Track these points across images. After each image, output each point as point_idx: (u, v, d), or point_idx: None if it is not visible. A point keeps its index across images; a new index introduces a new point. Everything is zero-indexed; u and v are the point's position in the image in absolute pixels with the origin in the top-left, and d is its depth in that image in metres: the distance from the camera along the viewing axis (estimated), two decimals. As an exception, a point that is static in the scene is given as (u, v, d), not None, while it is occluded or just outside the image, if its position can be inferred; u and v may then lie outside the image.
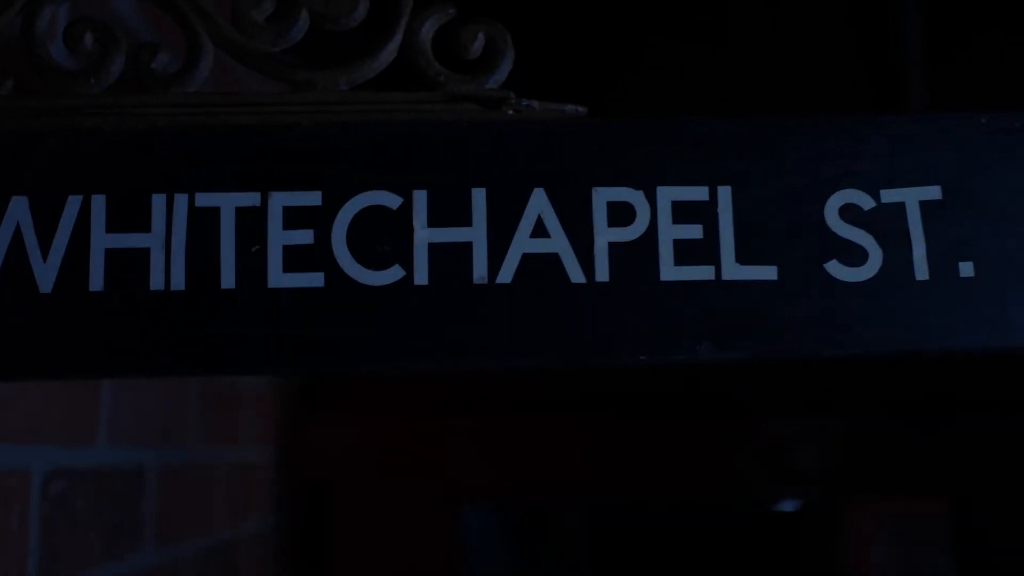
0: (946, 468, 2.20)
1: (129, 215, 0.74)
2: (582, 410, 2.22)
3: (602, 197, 0.75)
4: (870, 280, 0.75)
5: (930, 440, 2.18)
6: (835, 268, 0.75)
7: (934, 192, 0.76)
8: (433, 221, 0.75)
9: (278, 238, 0.74)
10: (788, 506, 3.29)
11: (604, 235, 0.75)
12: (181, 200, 0.74)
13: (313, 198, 0.75)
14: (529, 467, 2.22)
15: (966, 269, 0.76)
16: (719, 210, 0.76)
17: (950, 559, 2.56)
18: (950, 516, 2.33)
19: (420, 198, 0.75)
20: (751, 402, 2.23)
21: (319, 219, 0.74)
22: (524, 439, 2.21)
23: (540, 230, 0.75)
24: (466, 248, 0.74)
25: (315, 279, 0.74)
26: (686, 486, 2.31)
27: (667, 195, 0.76)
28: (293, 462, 2.12)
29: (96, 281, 0.73)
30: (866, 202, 0.76)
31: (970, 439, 2.17)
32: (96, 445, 1.17)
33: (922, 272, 0.75)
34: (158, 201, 0.74)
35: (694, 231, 0.75)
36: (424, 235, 0.74)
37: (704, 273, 0.75)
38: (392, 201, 0.75)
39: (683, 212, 0.76)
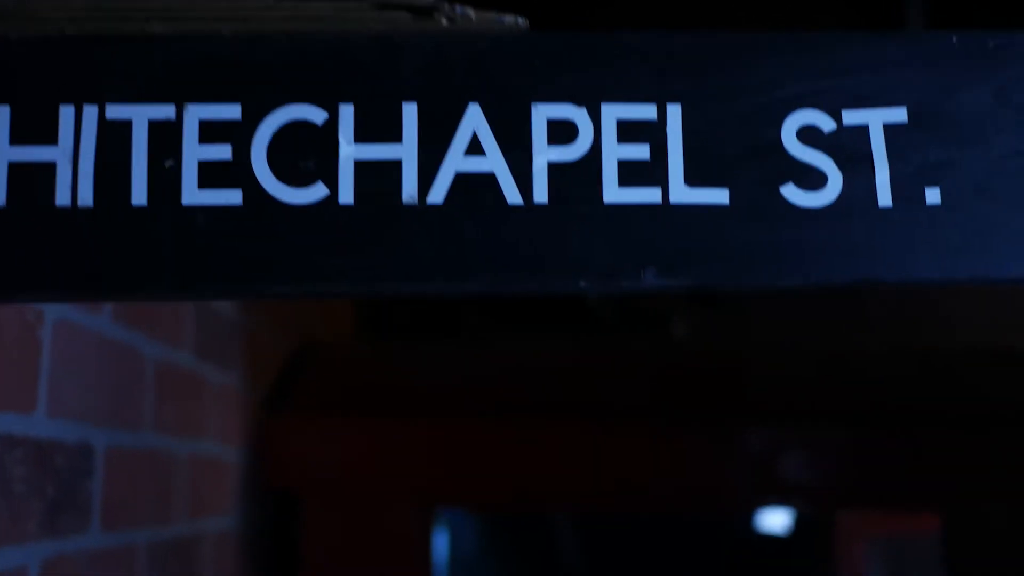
0: (936, 481, 2.14)
1: (35, 127, 0.69)
2: (561, 416, 2.16)
3: (542, 114, 0.71)
4: (829, 206, 0.70)
5: (919, 452, 2.12)
6: (791, 192, 0.70)
7: (899, 114, 0.72)
8: (360, 137, 0.70)
9: (194, 153, 0.69)
10: (778, 528, 3.23)
11: (543, 154, 0.70)
12: (91, 112, 0.69)
13: (232, 111, 0.70)
14: (506, 476, 2.16)
15: (932, 196, 0.71)
16: (667, 129, 0.71)
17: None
18: (940, 535, 2.27)
19: (346, 112, 0.70)
20: (738, 410, 2.18)
21: (238, 134, 0.70)
22: (501, 446, 2.15)
23: (475, 148, 0.70)
24: (395, 166, 0.69)
25: (233, 196, 0.69)
26: (669, 497, 2.25)
27: (612, 113, 0.71)
28: (261, 465, 2.06)
29: (-2, 197, 0.68)
30: (826, 123, 0.71)
31: (960, 451, 2.11)
32: (36, 413, 1.12)
33: (885, 198, 0.70)
34: (66, 112, 0.69)
35: (640, 151, 0.70)
36: (350, 151, 0.69)
37: (650, 196, 0.70)
38: (316, 115, 0.70)
39: (629, 131, 0.71)
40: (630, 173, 0.70)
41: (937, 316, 3.41)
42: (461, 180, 0.69)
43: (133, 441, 1.41)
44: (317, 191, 0.69)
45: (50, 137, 0.69)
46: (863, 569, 3.03)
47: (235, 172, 0.69)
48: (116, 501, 1.35)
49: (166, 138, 0.69)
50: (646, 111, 0.71)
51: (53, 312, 1.15)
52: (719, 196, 0.70)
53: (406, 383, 2.25)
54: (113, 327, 1.35)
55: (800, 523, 3.17)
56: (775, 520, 3.14)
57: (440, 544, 3.24)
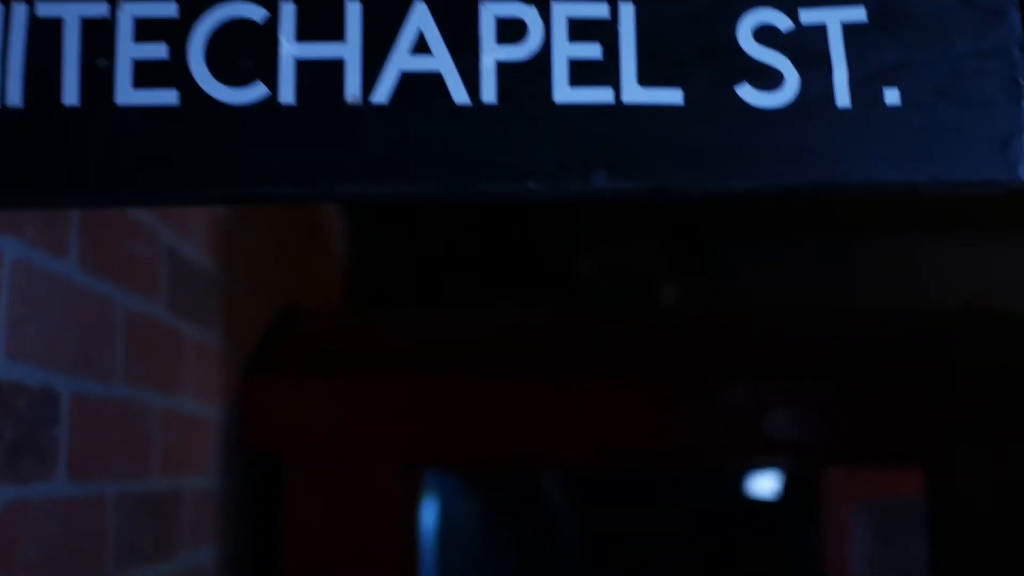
0: (920, 437, 2.12)
1: (-36, 25, 0.67)
2: (547, 375, 2.14)
3: (490, 12, 0.68)
4: (785, 107, 0.68)
5: (904, 408, 2.10)
6: (747, 93, 0.68)
7: (859, 13, 0.69)
8: (302, 35, 0.67)
9: (128, 52, 0.67)
10: (766, 490, 3.22)
11: (492, 53, 0.68)
12: (20, 10, 0.67)
13: (168, 9, 0.68)
14: (492, 436, 2.14)
15: (892, 97, 0.69)
16: (620, 28, 0.68)
17: (926, 542, 2.47)
18: (925, 493, 2.25)
19: (288, 10, 0.68)
20: (725, 368, 2.16)
21: (174, 32, 0.67)
22: (486, 406, 2.13)
23: (421, 46, 0.68)
24: (338, 65, 0.67)
25: (168, 96, 0.67)
26: (656, 456, 2.23)
27: (563, 11, 0.69)
28: (243, 426, 2.04)
29: (-75, 98, 0.66)
30: (783, 22, 0.69)
31: (943, 407, 2.09)
32: (-7, 354, 1.10)
33: (843, 99, 0.68)
34: (-4, 10, 0.67)
35: (592, 50, 0.68)
36: (291, 50, 0.67)
37: (602, 96, 0.68)
38: (256, 13, 0.68)
39: (581, 30, 0.69)
40: (581, 73, 0.68)
41: (921, 278, 3.40)
42: (407, 79, 0.67)
43: (102, 391, 1.39)
44: (257, 91, 0.67)
45: (-21, 36, 0.67)
46: (850, 531, 3.02)
47: (171, 72, 0.67)
48: (84, 450, 1.32)
49: (99, 36, 0.67)
50: (598, 9, 0.69)
51: (12, 252, 1.13)
52: (673, 96, 0.68)
53: (391, 345, 2.22)
54: (80, 273, 1.32)
55: (788, 485, 3.16)
56: (763, 483, 3.13)
57: (428, 509, 3.23)
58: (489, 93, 0.67)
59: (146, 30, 0.67)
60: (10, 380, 1.15)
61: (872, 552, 3.09)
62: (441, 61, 0.67)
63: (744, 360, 2.17)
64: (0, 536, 1.12)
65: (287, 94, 0.66)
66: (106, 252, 1.40)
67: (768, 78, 0.68)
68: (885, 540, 3.10)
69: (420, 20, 0.68)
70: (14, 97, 0.66)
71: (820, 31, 0.69)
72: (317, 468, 2.09)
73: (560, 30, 0.68)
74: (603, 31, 0.68)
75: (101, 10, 0.67)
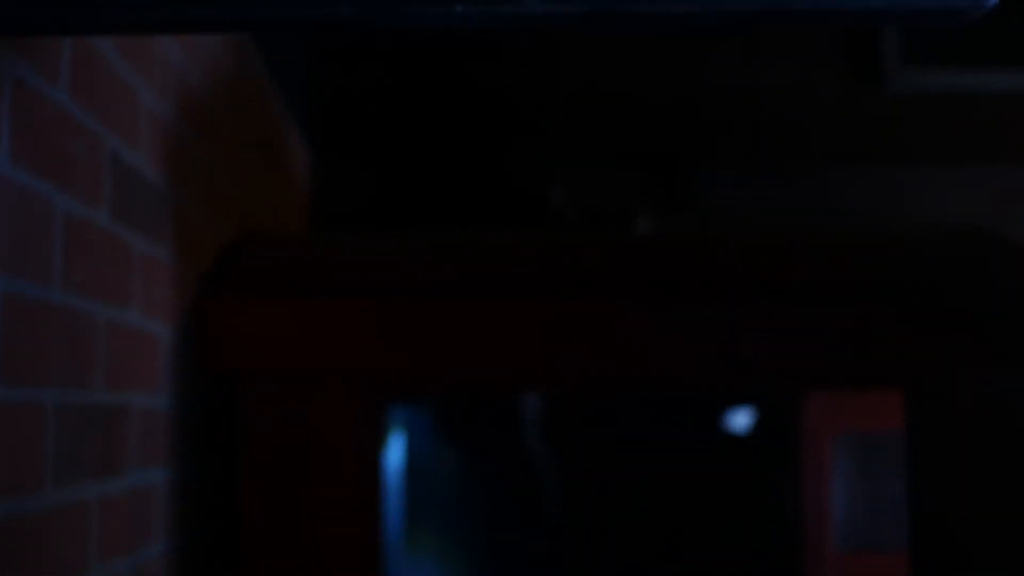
0: (902, 356, 2.07)
1: None
2: (514, 296, 2.08)
3: None
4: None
5: (886, 326, 2.05)
6: None
7: None
8: None
9: None
10: (746, 422, 3.17)
11: None
12: None
13: None
14: (456, 359, 2.08)
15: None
16: None
17: (906, 475, 2.43)
18: (906, 419, 2.20)
19: None
20: (694, 287, 2.10)
21: None
22: (450, 328, 2.06)
23: None
24: None
25: None
26: (629, 378, 2.18)
27: None
28: (198, 345, 1.98)
29: None
30: None
31: (928, 325, 2.04)
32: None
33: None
34: None
35: None
36: None
37: None
38: None
39: None
40: None
41: (903, 209, 3.34)
42: None
43: (40, 293, 1.32)
44: None
45: None
46: (831, 466, 2.98)
47: None
48: (20, 353, 1.26)
49: None
50: None
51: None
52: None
53: (353, 267, 2.16)
54: (13, 169, 1.25)
55: (767, 417, 3.11)
56: (742, 415, 3.08)
57: (395, 447, 3.18)
58: None
59: None
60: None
61: (853, 488, 3.04)
62: None
63: (719, 281, 2.11)
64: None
65: None
66: (44, 151, 1.33)
67: None
68: (867, 476, 3.06)
69: None
70: None
71: None
72: (275, 391, 2.03)
73: None
74: None
75: None
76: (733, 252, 2.19)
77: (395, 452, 3.21)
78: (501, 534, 3.34)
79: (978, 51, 3.49)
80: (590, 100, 3.38)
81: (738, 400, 3.09)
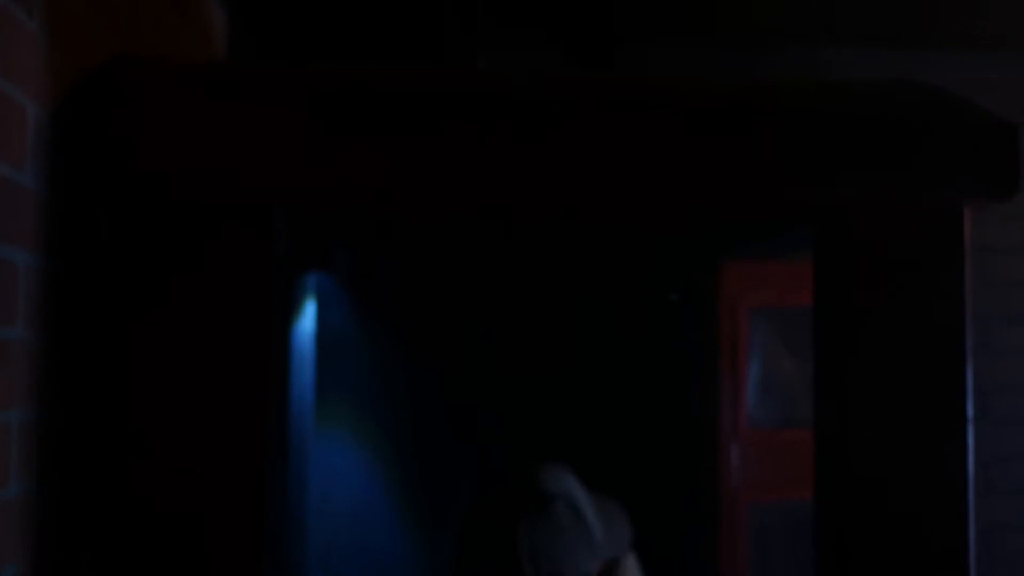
0: (811, 189, 2.00)
1: None
2: (424, 111, 1.97)
3: None
4: None
5: (795, 153, 1.97)
6: None
7: None
8: None
9: None
10: (661, 289, 3.12)
11: None
12: None
13: None
14: (359, 170, 1.96)
15: None
16: None
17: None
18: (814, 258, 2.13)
19: None
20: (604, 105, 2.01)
21: None
22: (354, 140, 1.96)
23: None
24: None
25: None
26: (538, 200, 2.08)
27: None
28: (78, 135, 1.86)
29: None
30: None
31: (840, 155, 1.97)
32: None
33: None
34: None
35: None
36: None
37: None
38: None
39: None
40: None
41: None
42: None
43: None
44: None
45: None
46: (746, 340, 2.93)
47: None
48: None
49: None
50: None
51: None
52: None
53: (257, 78, 2.03)
54: None
55: (682, 291, 3.06)
56: (659, 282, 3.03)
57: (308, 315, 3.10)
58: None
59: None
60: None
61: (769, 362, 3.00)
62: None
63: (623, 99, 2.01)
64: None
65: None
66: None
67: None
68: (784, 351, 3.01)
69: None
70: None
71: None
72: (162, 203, 1.92)
73: None
74: None
75: None
76: (641, 84, 2.10)
77: (307, 323, 3.13)
78: (417, 410, 3.28)
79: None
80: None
81: (651, 268, 3.04)
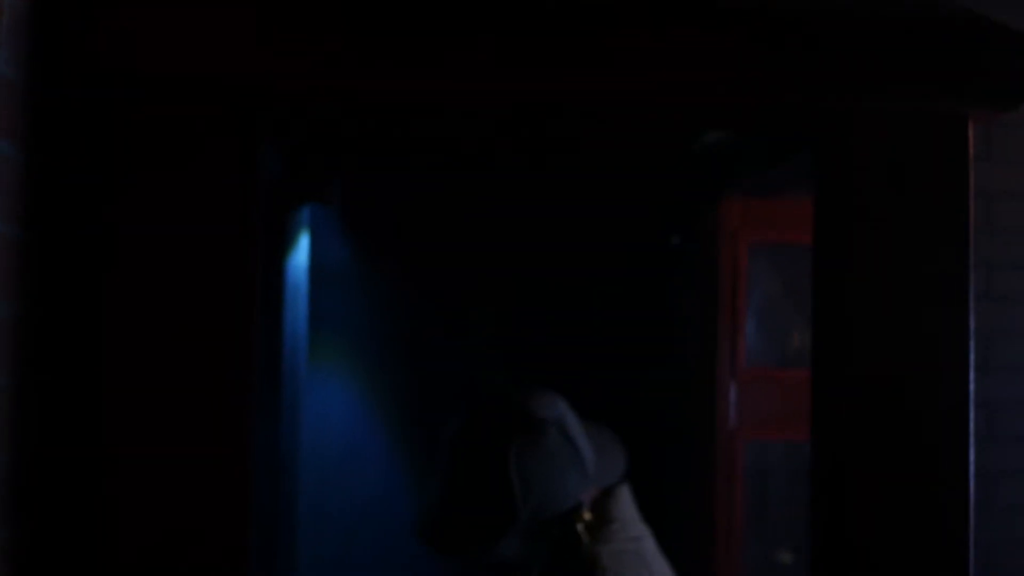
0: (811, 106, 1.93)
1: None
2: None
3: None
4: None
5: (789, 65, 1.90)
6: None
7: None
8: None
9: None
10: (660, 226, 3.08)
11: None
12: None
13: None
14: (342, 68, 1.88)
15: None
16: None
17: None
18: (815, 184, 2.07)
19: None
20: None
21: None
22: (337, 33, 1.87)
23: None
24: None
25: None
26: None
27: None
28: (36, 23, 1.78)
29: None
30: None
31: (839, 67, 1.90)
32: None
33: None
34: None
35: None
36: None
37: None
38: None
39: None
40: None
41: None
42: None
43: None
44: None
45: None
46: (746, 276, 2.88)
47: None
48: None
49: None
50: None
51: None
52: None
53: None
54: None
55: (682, 225, 3.02)
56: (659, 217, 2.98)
57: (302, 247, 3.05)
58: None
59: None
60: None
61: (769, 299, 2.95)
62: None
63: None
64: None
65: None
66: None
67: None
68: (783, 288, 2.97)
69: None
70: None
71: None
72: (143, 112, 1.85)
73: None
74: None
75: None
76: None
77: (301, 256, 3.08)
78: (413, 345, 3.24)
79: None
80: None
81: (653, 205, 2.99)
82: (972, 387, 1.88)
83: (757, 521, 2.99)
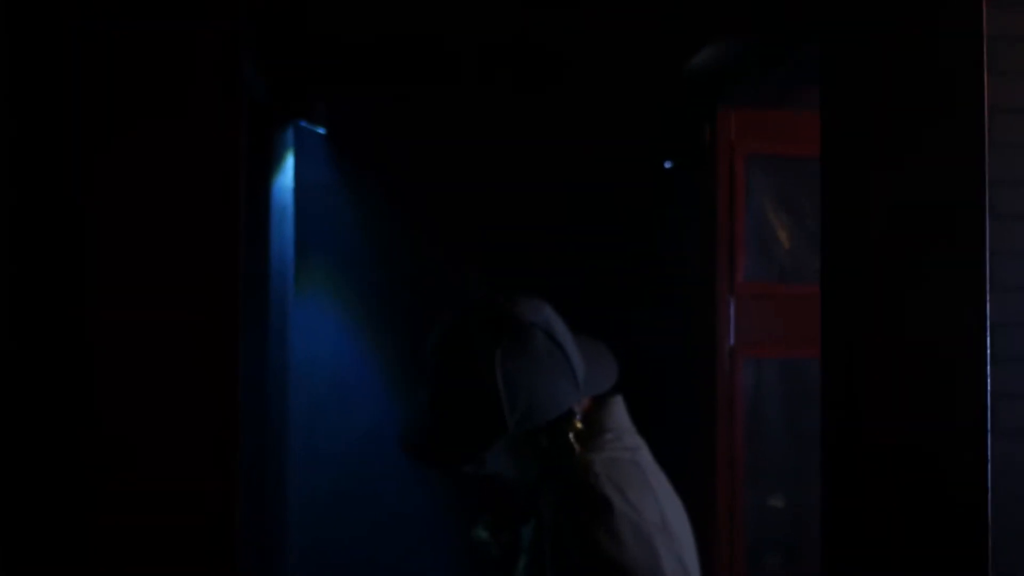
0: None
1: None
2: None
3: None
4: None
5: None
6: None
7: None
8: None
9: None
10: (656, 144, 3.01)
11: None
12: None
13: None
14: None
15: None
16: None
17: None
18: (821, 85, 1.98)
19: None
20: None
21: None
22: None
23: None
24: None
25: None
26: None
27: None
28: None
29: None
30: None
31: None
32: None
33: None
34: None
35: None
36: None
37: None
38: None
39: None
40: None
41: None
42: None
43: None
44: None
45: None
46: (744, 187, 2.80)
47: None
48: None
49: None
50: None
51: None
52: None
53: None
54: None
55: (680, 137, 2.94)
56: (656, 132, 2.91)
57: (286, 170, 2.97)
58: None
59: None
60: None
61: (766, 212, 2.87)
62: None
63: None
64: None
65: None
66: None
67: None
68: (781, 201, 2.88)
69: None
70: None
71: None
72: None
73: None
74: None
75: None
76: None
77: (285, 179, 3.00)
78: (401, 268, 3.18)
79: None
80: None
81: (650, 117, 2.93)
82: (988, 306, 1.76)
83: (754, 439, 2.92)
